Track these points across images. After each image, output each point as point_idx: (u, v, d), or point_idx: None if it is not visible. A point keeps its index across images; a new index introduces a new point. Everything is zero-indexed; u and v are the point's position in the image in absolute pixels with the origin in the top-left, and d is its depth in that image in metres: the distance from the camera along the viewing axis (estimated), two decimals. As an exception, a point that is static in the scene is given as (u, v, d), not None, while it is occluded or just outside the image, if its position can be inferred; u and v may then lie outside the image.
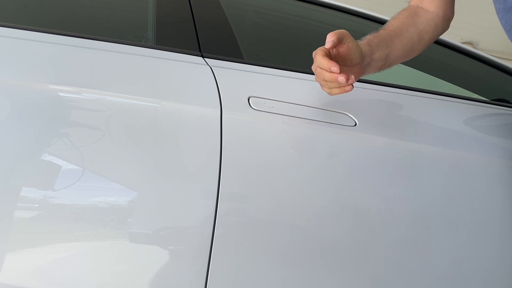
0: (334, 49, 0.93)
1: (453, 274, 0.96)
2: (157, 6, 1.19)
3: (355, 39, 0.95)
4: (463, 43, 1.35)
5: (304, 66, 1.04)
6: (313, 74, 0.95)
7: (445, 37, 1.45)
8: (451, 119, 1.10)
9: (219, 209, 0.84)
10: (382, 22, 1.48)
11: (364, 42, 1.00)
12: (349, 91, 0.91)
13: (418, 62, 1.47)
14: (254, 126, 0.91)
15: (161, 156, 0.85)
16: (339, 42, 0.92)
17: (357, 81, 1.08)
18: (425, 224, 0.95)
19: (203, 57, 1.01)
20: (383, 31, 1.05)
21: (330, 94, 0.93)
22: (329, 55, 0.92)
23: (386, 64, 1.04)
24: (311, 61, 0.93)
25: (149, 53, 0.98)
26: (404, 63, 1.19)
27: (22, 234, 0.78)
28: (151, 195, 0.83)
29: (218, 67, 0.99)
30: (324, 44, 0.91)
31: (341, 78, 0.88)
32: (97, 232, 0.81)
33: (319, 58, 0.91)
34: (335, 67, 0.88)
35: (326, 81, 0.91)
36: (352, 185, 0.93)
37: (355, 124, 0.97)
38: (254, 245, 0.86)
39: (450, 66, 1.58)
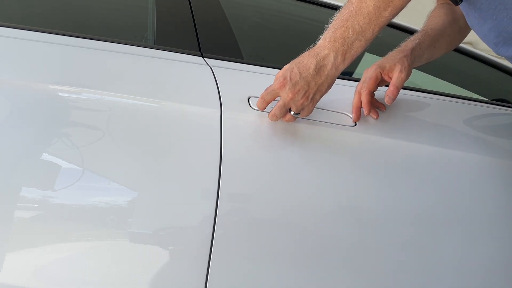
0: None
1: (453, 274, 0.96)
2: (157, 6, 1.19)
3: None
4: (463, 43, 1.35)
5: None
6: None
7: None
8: (451, 119, 1.10)
9: (219, 209, 0.84)
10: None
11: (415, 44, 1.01)
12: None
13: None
14: (254, 126, 0.91)
15: (161, 156, 0.85)
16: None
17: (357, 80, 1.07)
18: (425, 224, 0.95)
19: (203, 57, 1.01)
20: (432, 31, 1.05)
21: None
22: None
23: (427, 62, 1.06)
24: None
25: (149, 53, 0.98)
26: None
27: (22, 234, 0.78)
28: (151, 195, 0.83)
29: (218, 67, 0.99)
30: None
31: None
32: (97, 232, 0.81)
33: (364, 96, 0.97)
34: (372, 115, 0.99)
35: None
36: (352, 185, 0.93)
37: (355, 124, 0.97)
38: (254, 245, 0.86)
39: (450, 66, 1.58)
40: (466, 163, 1.02)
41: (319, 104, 0.97)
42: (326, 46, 0.86)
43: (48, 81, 0.86)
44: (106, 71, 0.91)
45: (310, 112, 0.91)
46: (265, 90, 0.90)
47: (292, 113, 0.91)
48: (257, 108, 0.92)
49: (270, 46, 1.38)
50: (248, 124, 0.91)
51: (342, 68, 0.88)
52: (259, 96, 0.94)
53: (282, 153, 0.92)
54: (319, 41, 0.88)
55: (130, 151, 0.85)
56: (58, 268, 0.79)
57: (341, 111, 0.98)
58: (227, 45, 1.11)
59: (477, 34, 0.93)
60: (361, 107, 0.97)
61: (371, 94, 0.98)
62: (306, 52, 0.89)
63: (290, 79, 0.87)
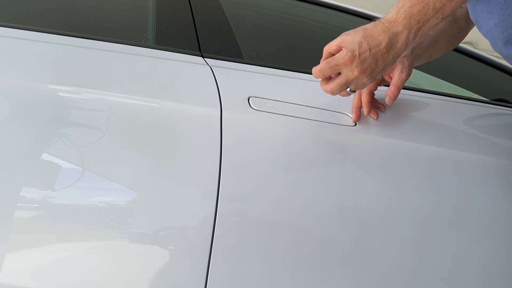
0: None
1: (453, 274, 0.96)
2: (157, 6, 1.19)
3: None
4: (463, 43, 1.35)
5: (304, 66, 1.04)
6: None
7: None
8: (451, 119, 1.09)
9: (219, 209, 0.84)
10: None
11: (416, 44, 0.99)
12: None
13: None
14: (254, 126, 0.91)
15: (161, 156, 0.85)
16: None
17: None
18: (425, 224, 0.95)
19: (203, 57, 1.01)
20: (431, 30, 1.03)
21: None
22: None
23: (427, 61, 1.05)
24: (310, 61, 0.93)
25: (149, 53, 0.98)
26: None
27: (22, 234, 0.78)
28: (151, 195, 0.83)
29: (218, 67, 0.99)
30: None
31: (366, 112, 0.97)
32: (97, 232, 0.81)
33: (365, 95, 0.95)
34: (372, 115, 0.97)
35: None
36: (352, 185, 0.93)
37: (355, 124, 0.97)
38: (254, 245, 0.86)
39: (450, 66, 1.58)
40: (466, 163, 1.02)
41: (319, 104, 0.97)
42: (400, 23, 0.80)
43: (48, 81, 0.86)
44: (106, 71, 0.91)
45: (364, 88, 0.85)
46: (326, 61, 0.81)
47: (348, 89, 0.85)
48: (257, 108, 0.92)
49: (270, 46, 1.38)
50: (248, 124, 0.91)
51: (410, 46, 0.82)
52: (259, 96, 0.94)
53: (282, 153, 0.92)
54: (390, 15, 0.81)
55: (130, 151, 0.85)
56: (58, 268, 0.79)
57: (341, 111, 0.98)
58: (227, 45, 1.11)
59: (480, 30, 0.91)
60: (361, 107, 0.97)
61: (371, 94, 0.98)
62: (372, 24, 0.81)
63: (359, 54, 0.79)
